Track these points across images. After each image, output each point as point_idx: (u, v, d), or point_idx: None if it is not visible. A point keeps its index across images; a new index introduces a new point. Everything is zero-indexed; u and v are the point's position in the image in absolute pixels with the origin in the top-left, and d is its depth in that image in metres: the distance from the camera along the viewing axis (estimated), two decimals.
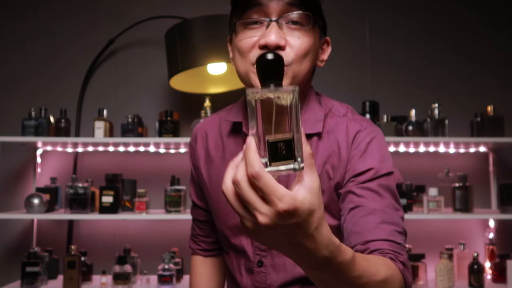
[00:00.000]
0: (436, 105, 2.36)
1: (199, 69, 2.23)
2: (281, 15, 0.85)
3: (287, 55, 0.86)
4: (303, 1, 0.86)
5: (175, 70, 2.20)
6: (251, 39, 0.87)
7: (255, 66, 0.71)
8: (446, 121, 2.35)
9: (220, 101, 2.48)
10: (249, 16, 0.86)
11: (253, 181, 0.53)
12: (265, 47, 0.84)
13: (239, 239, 0.97)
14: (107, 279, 2.23)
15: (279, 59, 0.58)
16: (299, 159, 0.54)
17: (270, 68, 0.57)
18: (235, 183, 0.54)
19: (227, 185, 0.56)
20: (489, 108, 2.36)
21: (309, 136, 0.93)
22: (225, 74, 2.37)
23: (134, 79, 2.66)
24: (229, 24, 0.93)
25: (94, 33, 2.65)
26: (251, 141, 0.53)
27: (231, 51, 0.96)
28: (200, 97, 2.44)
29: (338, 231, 0.89)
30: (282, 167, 0.53)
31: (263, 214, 0.54)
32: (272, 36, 0.83)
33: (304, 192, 0.54)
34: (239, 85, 2.43)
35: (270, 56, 0.58)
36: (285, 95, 0.53)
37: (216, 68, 2.28)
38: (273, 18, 0.85)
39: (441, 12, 2.73)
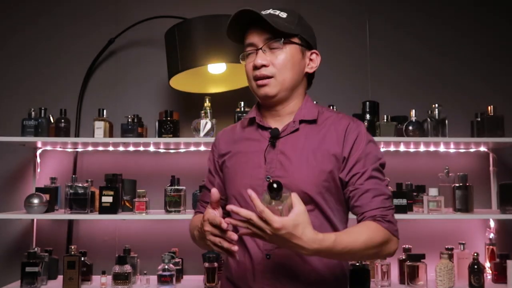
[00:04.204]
0: (436, 105, 2.36)
1: (199, 69, 2.23)
2: (263, 44, 1.25)
3: (270, 70, 1.24)
4: (276, 32, 1.23)
5: (175, 70, 2.20)
6: (250, 64, 1.28)
7: (254, 81, 1.27)
8: (446, 121, 2.35)
9: (220, 101, 2.48)
10: (247, 49, 1.29)
11: (262, 216, 1.01)
12: (255, 67, 1.25)
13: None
14: (107, 279, 2.23)
15: (278, 184, 1.01)
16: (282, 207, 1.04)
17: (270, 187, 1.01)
18: (261, 216, 1.01)
19: (257, 220, 1.02)
20: (489, 108, 2.36)
21: (308, 122, 1.28)
22: (225, 74, 2.36)
23: (134, 79, 2.66)
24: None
25: (94, 33, 2.65)
26: (262, 207, 1.01)
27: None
28: (200, 97, 2.43)
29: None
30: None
31: (268, 229, 1.01)
32: (258, 59, 1.24)
33: (290, 216, 1.02)
34: (239, 85, 2.43)
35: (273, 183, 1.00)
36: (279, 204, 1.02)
37: (216, 68, 2.28)
38: (259, 47, 1.25)
39: (441, 12, 2.73)
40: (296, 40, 1.26)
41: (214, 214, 1.10)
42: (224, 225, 1.07)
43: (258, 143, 1.29)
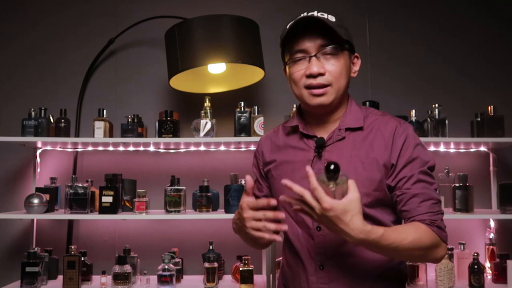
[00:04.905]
0: (436, 105, 2.36)
1: (199, 69, 2.23)
2: (318, 51, 1.17)
3: (327, 78, 1.18)
4: (331, 39, 1.17)
5: (175, 70, 2.20)
6: (300, 72, 1.20)
7: (306, 89, 1.19)
8: (446, 121, 2.35)
9: (220, 101, 2.48)
10: (296, 56, 1.20)
11: (314, 194, 1.00)
12: (310, 76, 1.18)
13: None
14: (107, 279, 2.23)
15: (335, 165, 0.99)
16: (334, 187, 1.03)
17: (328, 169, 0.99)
18: (313, 193, 1.00)
19: (308, 197, 1.01)
20: (489, 108, 2.36)
21: (353, 130, 1.22)
22: (225, 74, 2.37)
23: (134, 79, 2.66)
24: (282, 59, 1.27)
25: (94, 33, 2.65)
26: (317, 184, 1.00)
27: (287, 80, 1.28)
28: (200, 97, 2.43)
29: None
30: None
31: (318, 208, 1.00)
32: (314, 67, 1.17)
33: (342, 200, 1.00)
34: (239, 85, 2.43)
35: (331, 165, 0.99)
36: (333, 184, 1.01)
37: (216, 68, 2.28)
38: (312, 54, 1.18)
39: (442, 11, 2.73)
40: (346, 46, 1.22)
41: (253, 198, 1.12)
42: (274, 202, 1.08)
43: (303, 152, 1.25)
